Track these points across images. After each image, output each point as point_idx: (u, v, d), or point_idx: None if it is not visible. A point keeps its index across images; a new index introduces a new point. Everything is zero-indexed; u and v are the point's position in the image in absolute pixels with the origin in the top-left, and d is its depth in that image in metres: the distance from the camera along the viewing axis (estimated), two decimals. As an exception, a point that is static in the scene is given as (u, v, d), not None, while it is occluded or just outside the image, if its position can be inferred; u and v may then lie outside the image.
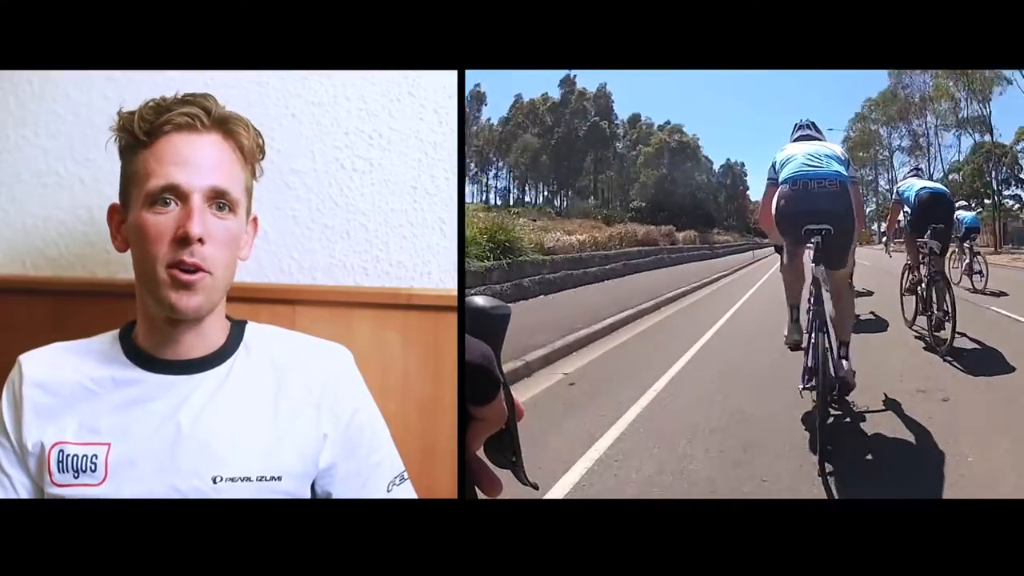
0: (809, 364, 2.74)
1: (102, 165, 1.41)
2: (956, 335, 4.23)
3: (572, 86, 37.62)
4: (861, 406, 3.10)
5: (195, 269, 1.08)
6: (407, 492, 1.25)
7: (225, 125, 1.14)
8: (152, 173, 1.09)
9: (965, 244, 7.48)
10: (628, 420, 3.16)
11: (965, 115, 23.74)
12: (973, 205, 17.68)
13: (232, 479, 1.09)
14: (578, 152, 37.53)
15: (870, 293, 6.97)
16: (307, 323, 1.41)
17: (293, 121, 1.50)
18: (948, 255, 5.31)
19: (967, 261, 7.49)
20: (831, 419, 2.87)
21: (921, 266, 4.76)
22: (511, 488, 0.61)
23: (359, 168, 1.50)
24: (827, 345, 2.69)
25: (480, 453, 0.60)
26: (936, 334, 4.45)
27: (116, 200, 1.17)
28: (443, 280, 1.50)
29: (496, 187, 37.63)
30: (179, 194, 1.09)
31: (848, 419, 2.99)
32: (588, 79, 37.97)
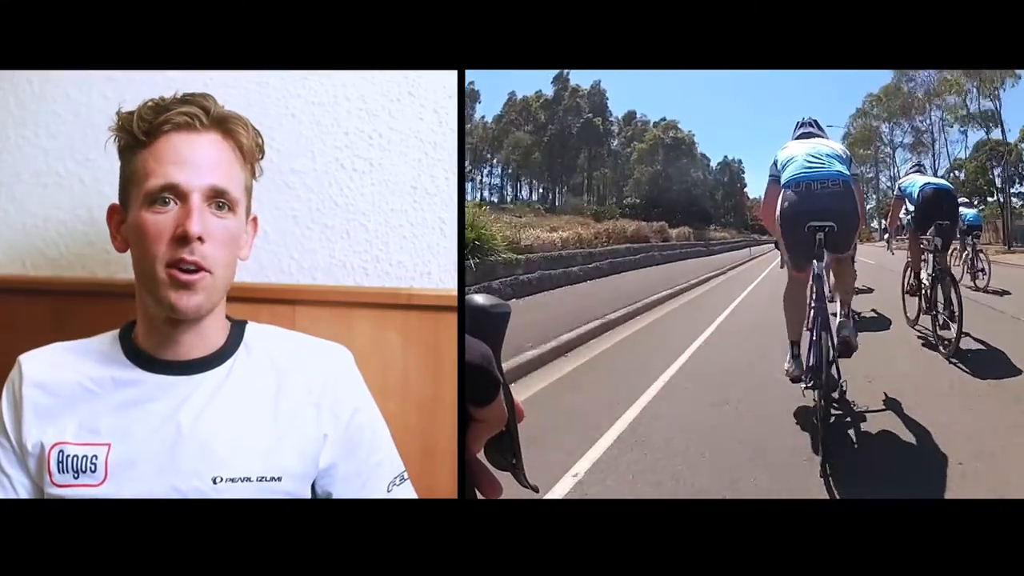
0: (810, 363, 2.73)
1: (102, 165, 1.41)
2: (962, 335, 4.04)
3: (566, 83, 37.29)
4: (861, 406, 3.10)
5: (195, 268, 1.08)
6: (407, 492, 1.25)
7: (224, 124, 1.14)
8: (151, 173, 1.09)
9: (967, 241, 7.45)
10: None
11: (976, 108, 23.30)
12: (975, 202, 17.61)
13: (232, 479, 1.09)
14: (571, 149, 37.23)
15: (870, 290, 6.96)
16: (307, 323, 1.41)
17: (293, 121, 1.50)
18: (950, 253, 5.26)
19: (969, 257, 7.46)
20: (832, 419, 2.87)
21: (924, 264, 4.68)
22: (510, 489, 0.61)
23: (359, 168, 1.50)
24: (829, 345, 2.69)
25: (480, 455, 0.59)
26: (940, 334, 4.30)
27: (116, 200, 1.17)
28: (443, 280, 1.50)
29: (490, 184, 37.47)
30: (178, 193, 1.09)
31: (849, 419, 2.98)
32: (582, 76, 37.69)
